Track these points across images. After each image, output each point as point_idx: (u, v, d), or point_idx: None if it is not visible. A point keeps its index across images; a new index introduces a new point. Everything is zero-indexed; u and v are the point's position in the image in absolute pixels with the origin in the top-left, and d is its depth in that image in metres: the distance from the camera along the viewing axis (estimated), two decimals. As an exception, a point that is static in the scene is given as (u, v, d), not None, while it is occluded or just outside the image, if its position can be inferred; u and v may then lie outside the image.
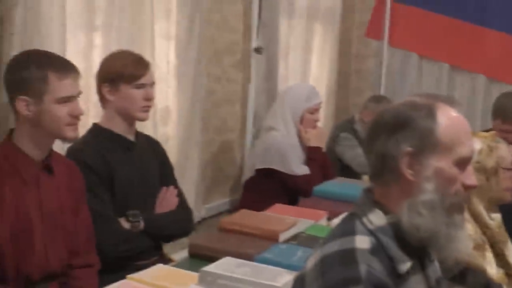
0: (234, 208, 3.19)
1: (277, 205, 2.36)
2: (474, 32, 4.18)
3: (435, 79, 4.36)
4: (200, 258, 1.83)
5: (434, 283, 1.32)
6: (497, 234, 1.86)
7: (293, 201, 2.91)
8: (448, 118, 1.23)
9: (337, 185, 2.73)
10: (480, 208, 1.86)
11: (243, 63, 3.47)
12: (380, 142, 1.25)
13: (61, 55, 2.06)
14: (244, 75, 3.48)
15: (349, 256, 1.18)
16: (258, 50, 3.41)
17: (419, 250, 1.27)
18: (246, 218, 2.10)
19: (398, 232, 1.23)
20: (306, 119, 3.11)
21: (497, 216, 1.91)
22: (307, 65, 4.08)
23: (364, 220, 1.25)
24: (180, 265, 1.83)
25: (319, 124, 3.25)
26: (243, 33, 3.45)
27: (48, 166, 1.80)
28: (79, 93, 1.80)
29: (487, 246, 1.84)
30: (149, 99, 2.14)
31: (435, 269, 1.35)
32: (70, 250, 1.85)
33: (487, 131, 2.17)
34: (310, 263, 1.23)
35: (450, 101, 1.28)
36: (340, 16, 4.34)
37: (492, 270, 1.79)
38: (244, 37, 3.46)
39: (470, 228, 1.79)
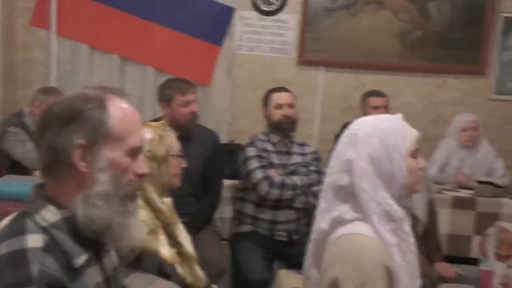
0: None
1: None
2: (142, 26, 4.33)
3: (107, 71, 4.39)
4: None
5: (111, 272, 1.34)
6: (168, 217, 1.98)
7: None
8: (118, 110, 1.25)
9: (6, 184, 2.57)
10: (153, 194, 1.96)
11: None
12: (51, 135, 1.21)
13: None
14: None
15: (19, 257, 1.12)
16: None
17: (95, 242, 1.27)
18: None
19: (73, 226, 1.21)
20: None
21: (168, 200, 2.03)
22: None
23: (36, 217, 1.20)
24: None
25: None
26: None
27: None
28: None
29: (160, 230, 1.94)
30: None
31: (111, 258, 1.37)
32: None
33: (157, 120, 2.29)
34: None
35: (120, 93, 1.31)
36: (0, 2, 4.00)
37: (166, 251, 1.90)
38: None
39: (143, 214, 1.87)
